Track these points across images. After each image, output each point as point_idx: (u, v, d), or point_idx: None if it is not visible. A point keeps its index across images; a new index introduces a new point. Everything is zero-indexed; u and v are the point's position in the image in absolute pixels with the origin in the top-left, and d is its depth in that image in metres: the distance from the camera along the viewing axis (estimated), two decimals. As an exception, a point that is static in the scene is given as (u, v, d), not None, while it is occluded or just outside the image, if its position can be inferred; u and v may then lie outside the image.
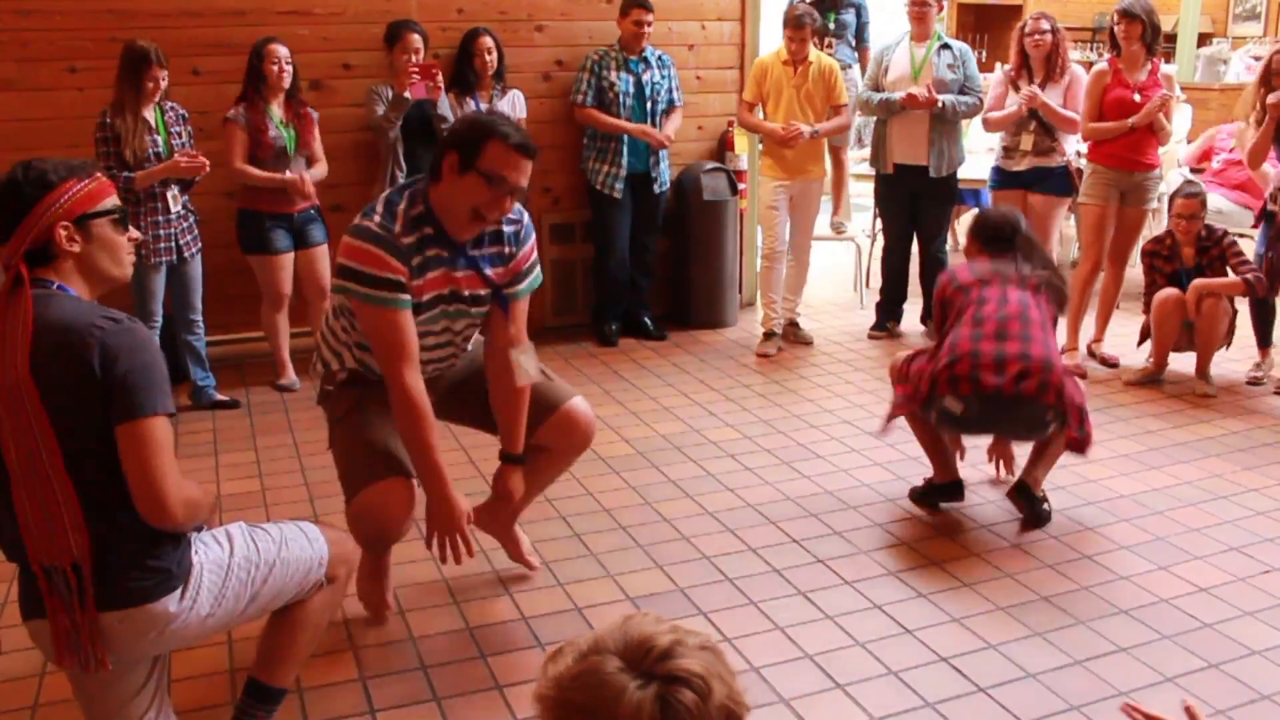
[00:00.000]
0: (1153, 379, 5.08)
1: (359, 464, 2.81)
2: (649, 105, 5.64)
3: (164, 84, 4.50)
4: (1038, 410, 3.54)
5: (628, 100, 5.58)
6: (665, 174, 5.83)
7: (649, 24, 5.55)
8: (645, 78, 5.62)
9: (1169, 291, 4.96)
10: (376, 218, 2.69)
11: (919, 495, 3.88)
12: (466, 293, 2.83)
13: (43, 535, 2.01)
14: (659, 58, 5.71)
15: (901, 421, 3.87)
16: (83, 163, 2.14)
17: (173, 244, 4.58)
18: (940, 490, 3.84)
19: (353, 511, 2.78)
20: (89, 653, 2.06)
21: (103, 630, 2.07)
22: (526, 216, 2.93)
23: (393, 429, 2.80)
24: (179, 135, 4.62)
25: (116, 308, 2.09)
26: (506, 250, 2.87)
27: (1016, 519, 3.73)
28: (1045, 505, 3.73)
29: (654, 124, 5.67)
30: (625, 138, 5.61)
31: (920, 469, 4.16)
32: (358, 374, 2.93)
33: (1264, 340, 5.15)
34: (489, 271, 2.84)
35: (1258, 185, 6.01)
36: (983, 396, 3.51)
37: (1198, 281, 4.92)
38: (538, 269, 2.98)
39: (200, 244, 4.74)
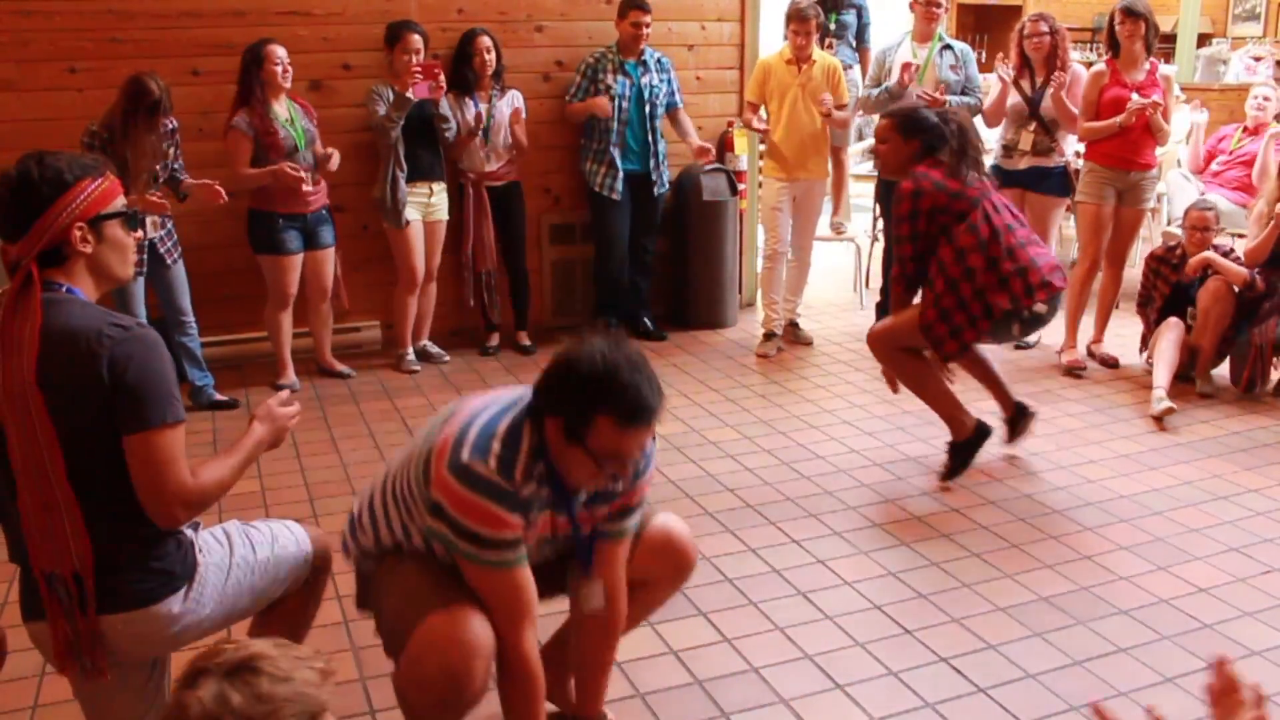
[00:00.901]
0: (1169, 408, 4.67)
1: (417, 598, 2.19)
2: (646, 109, 5.62)
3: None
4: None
5: (624, 104, 5.57)
6: (665, 175, 5.82)
7: (647, 25, 5.54)
8: (644, 81, 5.61)
9: (1175, 324, 4.93)
10: (493, 461, 2.10)
11: (968, 447, 4.06)
12: (562, 535, 2.34)
13: (45, 542, 2.00)
14: (658, 60, 5.70)
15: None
16: (94, 160, 2.11)
17: (144, 255, 4.52)
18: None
19: (413, 652, 2.12)
20: (90, 660, 2.06)
21: (105, 634, 2.06)
22: (651, 444, 2.34)
23: (456, 574, 2.21)
24: (167, 154, 4.57)
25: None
26: (620, 487, 2.33)
27: (1016, 519, 3.73)
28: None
29: (652, 127, 5.65)
30: (615, 138, 5.58)
31: (920, 469, 4.17)
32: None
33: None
34: (595, 510, 2.33)
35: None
36: (1054, 297, 3.86)
37: (1206, 254, 4.90)
38: (643, 509, 2.43)
39: (180, 250, 4.72)
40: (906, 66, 5.41)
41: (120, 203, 2.11)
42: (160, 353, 2.04)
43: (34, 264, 1.99)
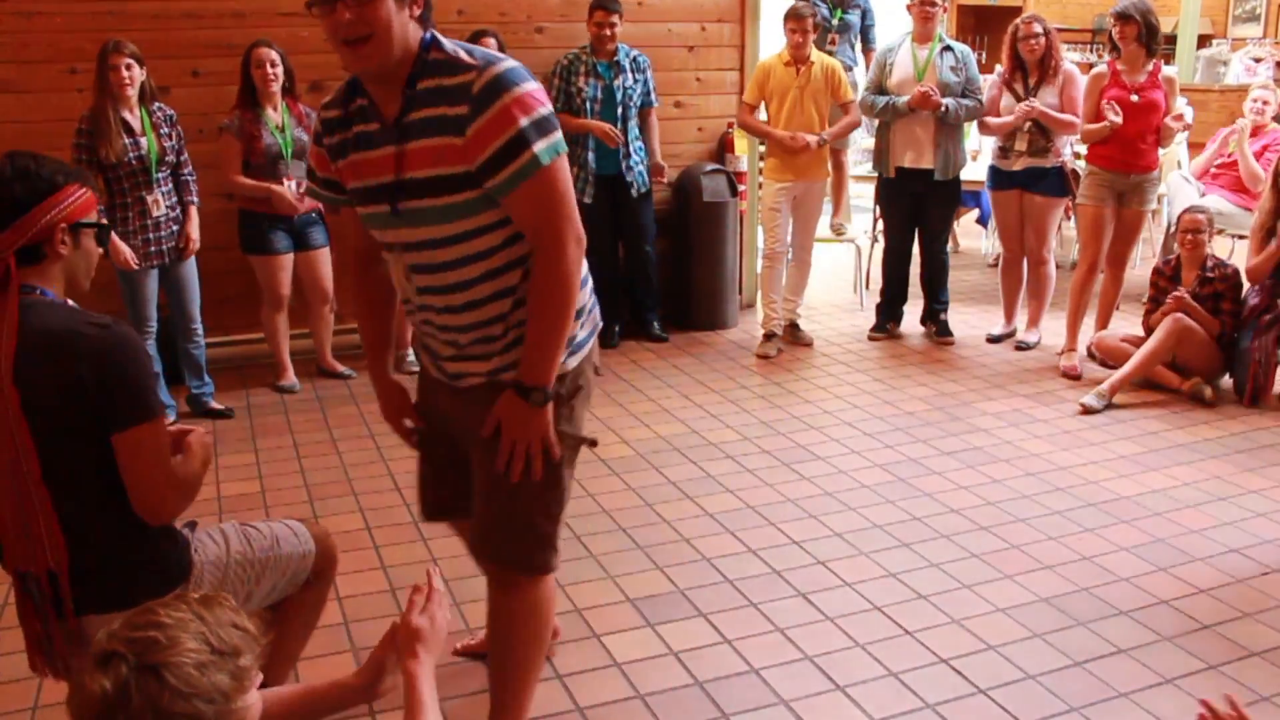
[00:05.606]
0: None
1: None
2: (619, 110, 5.55)
3: (132, 73, 4.34)
4: None
5: (595, 106, 5.51)
6: (641, 176, 5.70)
7: (611, 26, 5.47)
8: (616, 82, 5.55)
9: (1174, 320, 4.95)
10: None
11: None
12: (374, 182, 2.07)
13: (18, 540, 2.00)
14: (633, 59, 5.64)
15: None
16: (80, 169, 2.14)
17: (162, 247, 4.50)
18: None
19: None
20: (64, 661, 2.05)
21: (89, 636, 2.06)
22: (503, 65, 1.95)
23: None
24: (168, 137, 4.53)
25: (111, 314, 2.08)
26: (452, 113, 1.91)
27: (1016, 520, 3.74)
28: None
29: (625, 128, 5.59)
30: (591, 142, 5.55)
31: (920, 470, 4.17)
32: None
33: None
34: (417, 144, 1.97)
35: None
36: None
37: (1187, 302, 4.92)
38: (531, 154, 1.93)
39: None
40: (923, 98, 5.35)
41: (95, 215, 2.12)
42: (137, 347, 2.03)
43: (12, 259, 1.99)
